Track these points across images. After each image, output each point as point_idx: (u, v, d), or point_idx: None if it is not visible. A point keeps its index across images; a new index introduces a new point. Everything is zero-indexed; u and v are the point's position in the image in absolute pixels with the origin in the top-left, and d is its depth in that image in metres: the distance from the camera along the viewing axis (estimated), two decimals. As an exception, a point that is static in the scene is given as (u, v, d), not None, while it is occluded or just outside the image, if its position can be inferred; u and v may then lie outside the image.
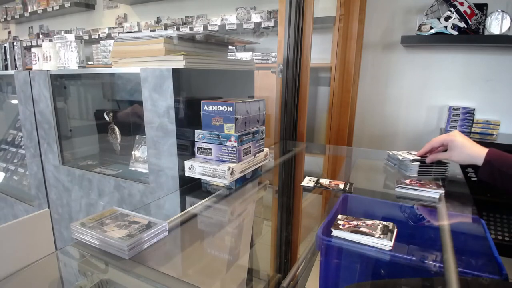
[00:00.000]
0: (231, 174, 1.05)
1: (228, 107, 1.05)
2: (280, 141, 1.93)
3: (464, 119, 2.27)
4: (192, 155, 1.16)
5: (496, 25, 2.06)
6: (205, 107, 1.10)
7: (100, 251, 0.70)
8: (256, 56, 2.95)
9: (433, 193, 1.01)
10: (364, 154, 1.86)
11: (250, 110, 1.15)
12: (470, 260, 0.72)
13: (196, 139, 1.12)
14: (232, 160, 1.08)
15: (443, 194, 1.00)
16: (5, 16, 5.16)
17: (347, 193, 1.04)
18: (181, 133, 1.13)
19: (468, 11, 2.06)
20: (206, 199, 1.04)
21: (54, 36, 1.63)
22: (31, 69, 1.67)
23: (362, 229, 0.72)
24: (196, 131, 1.12)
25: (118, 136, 1.66)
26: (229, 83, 1.43)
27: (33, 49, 1.72)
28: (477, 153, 0.97)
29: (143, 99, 1.16)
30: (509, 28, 2.04)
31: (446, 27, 2.12)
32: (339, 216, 0.79)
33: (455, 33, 2.11)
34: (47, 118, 1.54)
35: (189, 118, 1.15)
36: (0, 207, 1.95)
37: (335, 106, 2.43)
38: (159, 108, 1.13)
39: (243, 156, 1.11)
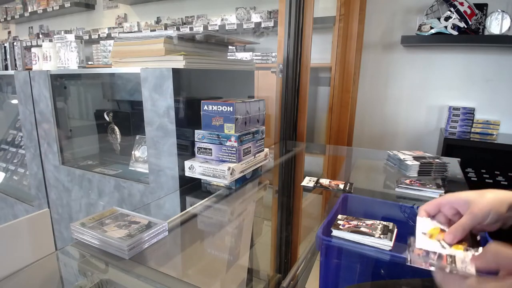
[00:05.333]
0: (231, 174, 1.05)
1: (228, 107, 1.05)
2: (280, 141, 1.93)
3: (464, 119, 2.27)
4: (192, 155, 1.16)
5: (496, 25, 2.06)
6: (205, 107, 1.10)
7: (100, 251, 0.70)
8: (256, 56, 2.95)
9: (433, 193, 1.01)
10: (364, 154, 1.86)
11: (250, 110, 1.15)
12: (470, 260, 0.72)
13: (196, 139, 1.12)
14: (232, 160, 1.08)
15: (443, 194, 1.00)
16: (5, 16, 5.16)
17: (347, 193, 1.03)
18: (181, 133, 1.13)
19: (468, 11, 2.06)
20: (206, 199, 1.04)
21: (54, 36, 1.63)
22: (31, 69, 1.67)
23: (362, 229, 0.72)
24: (196, 131, 1.12)
25: (118, 136, 1.66)
26: (229, 83, 1.43)
27: (33, 49, 1.72)
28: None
29: (143, 99, 1.16)
30: (509, 28, 2.04)
31: (446, 27, 2.12)
32: (339, 216, 0.79)
33: (455, 33, 2.11)
34: (47, 118, 1.54)
35: (189, 118, 1.15)
36: (0, 207, 1.95)
37: (335, 106, 2.43)
38: (159, 108, 1.13)
39: (243, 156, 1.11)
